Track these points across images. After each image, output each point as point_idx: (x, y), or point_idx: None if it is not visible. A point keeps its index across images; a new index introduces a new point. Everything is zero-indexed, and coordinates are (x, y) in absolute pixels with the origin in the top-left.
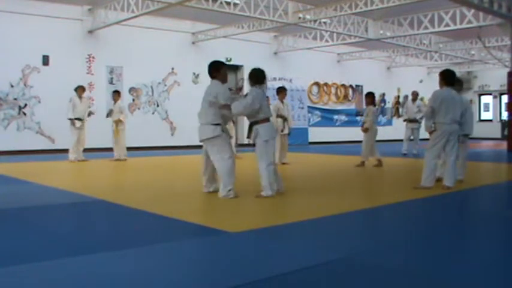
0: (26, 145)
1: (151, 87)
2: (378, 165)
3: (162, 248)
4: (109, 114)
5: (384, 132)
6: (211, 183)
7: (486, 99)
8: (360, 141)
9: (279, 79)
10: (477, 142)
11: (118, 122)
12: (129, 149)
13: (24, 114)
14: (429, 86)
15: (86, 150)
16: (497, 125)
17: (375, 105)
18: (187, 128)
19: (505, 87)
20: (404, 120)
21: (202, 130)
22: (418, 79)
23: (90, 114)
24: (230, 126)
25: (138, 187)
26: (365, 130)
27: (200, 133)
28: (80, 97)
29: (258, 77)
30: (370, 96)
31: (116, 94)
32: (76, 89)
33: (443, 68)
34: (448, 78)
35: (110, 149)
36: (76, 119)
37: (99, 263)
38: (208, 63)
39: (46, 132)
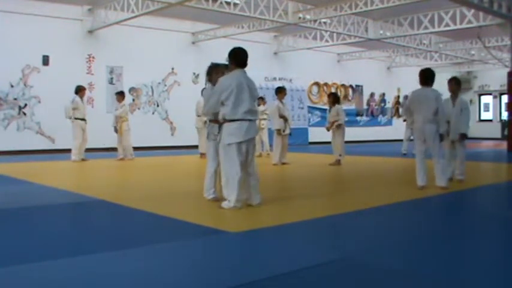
0: (26, 145)
1: (151, 87)
2: (334, 164)
3: (162, 248)
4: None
5: (384, 132)
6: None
7: (486, 99)
8: (360, 141)
9: (279, 79)
10: (477, 142)
11: (122, 123)
12: None
13: (24, 114)
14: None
15: (88, 150)
16: (497, 125)
17: (339, 104)
18: (187, 128)
19: (505, 87)
20: (404, 120)
21: (255, 127)
22: (418, 79)
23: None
24: None
25: (138, 187)
26: (338, 126)
27: (254, 130)
28: (82, 98)
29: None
30: (333, 96)
31: (119, 95)
32: (77, 91)
33: (443, 68)
34: (422, 77)
35: (110, 149)
36: (81, 119)
37: (99, 263)
38: (240, 50)
39: (46, 132)
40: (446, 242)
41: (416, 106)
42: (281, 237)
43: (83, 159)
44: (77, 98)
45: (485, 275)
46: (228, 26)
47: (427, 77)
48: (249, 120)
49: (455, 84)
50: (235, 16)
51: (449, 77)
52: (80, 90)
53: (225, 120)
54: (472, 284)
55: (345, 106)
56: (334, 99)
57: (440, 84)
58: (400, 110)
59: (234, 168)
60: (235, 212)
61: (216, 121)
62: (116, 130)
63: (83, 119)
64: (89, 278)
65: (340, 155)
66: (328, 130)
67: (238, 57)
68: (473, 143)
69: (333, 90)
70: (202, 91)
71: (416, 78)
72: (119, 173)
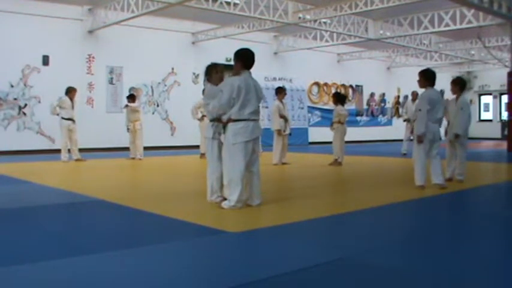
0: (26, 145)
1: (151, 87)
2: (333, 164)
3: (162, 248)
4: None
5: (384, 132)
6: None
7: (486, 99)
8: (360, 141)
9: (279, 79)
10: (477, 142)
11: (135, 123)
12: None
13: (24, 114)
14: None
15: (88, 150)
16: (497, 125)
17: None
18: (187, 128)
19: (505, 87)
20: (405, 120)
21: (259, 127)
22: (418, 79)
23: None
24: None
25: (138, 187)
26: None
27: (259, 129)
28: (71, 99)
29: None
30: (334, 96)
31: (130, 99)
32: (67, 92)
33: (443, 68)
34: (432, 78)
35: (108, 149)
36: (67, 119)
37: (99, 263)
38: (248, 52)
39: (46, 132)
40: (446, 241)
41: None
42: (281, 237)
43: (79, 159)
44: (64, 97)
45: (485, 274)
46: (228, 26)
47: (433, 77)
48: (254, 120)
49: (456, 86)
50: (235, 16)
51: (449, 77)
52: (69, 91)
53: (230, 120)
54: (472, 284)
55: (345, 106)
56: (335, 99)
57: (440, 85)
58: (400, 110)
59: (238, 168)
60: (235, 212)
61: (219, 120)
62: (128, 130)
63: (69, 119)
64: (89, 278)
65: (338, 157)
66: (331, 130)
67: (246, 59)
68: (473, 143)
69: (333, 90)
70: (203, 92)
71: (416, 78)
72: (119, 173)
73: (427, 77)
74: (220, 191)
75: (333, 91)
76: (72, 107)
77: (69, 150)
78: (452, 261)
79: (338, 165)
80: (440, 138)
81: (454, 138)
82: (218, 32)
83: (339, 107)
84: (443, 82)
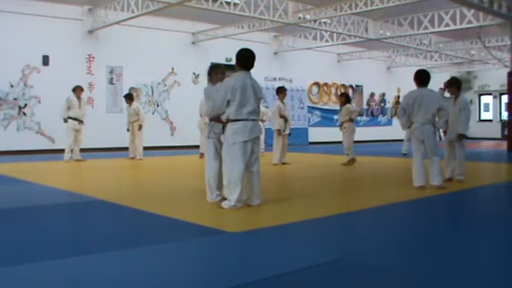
0: (26, 145)
1: (151, 87)
2: (346, 164)
3: (162, 248)
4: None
5: (384, 132)
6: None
7: (486, 99)
8: (360, 141)
9: (279, 79)
10: (477, 142)
11: (134, 123)
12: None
13: (24, 114)
14: (429, 86)
15: (88, 150)
16: (497, 125)
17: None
18: (187, 128)
19: (505, 87)
20: None
21: (259, 126)
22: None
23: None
24: None
25: (138, 187)
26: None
27: (258, 129)
28: (78, 97)
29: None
30: (345, 96)
31: (127, 98)
32: (74, 89)
33: (443, 68)
34: (420, 78)
35: (108, 149)
36: (74, 119)
37: (99, 263)
38: (247, 53)
39: (46, 132)
40: (446, 241)
41: (415, 107)
42: (281, 237)
43: (79, 160)
44: (72, 97)
45: (484, 274)
46: (228, 26)
47: (425, 78)
48: (253, 120)
49: (452, 87)
50: (235, 16)
51: (449, 77)
52: (75, 90)
53: (229, 120)
54: (472, 284)
55: None
56: (344, 99)
57: (441, 85)
58: None
59: (238, 168)
60: (235, 212)
61: (218, 120)
62: (128, 130)
63: (76, 119)
64: (89, 278)
65: (347, 155)
66: (341, 130)
67: (245, 59)
68: (473, 143)
69: (333, 90)
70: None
71: None
72: (119, 173)
73: (415, 78)
74: (219, 190)
75: (333, 91)
76: (79, 106)
77: (71, 150)
78: (452, 261)
79: (353, 163)
80: (440, 138)
81: (457, 138)
82: (218, 32)
83: (348, 105)
84: (443, 82)
